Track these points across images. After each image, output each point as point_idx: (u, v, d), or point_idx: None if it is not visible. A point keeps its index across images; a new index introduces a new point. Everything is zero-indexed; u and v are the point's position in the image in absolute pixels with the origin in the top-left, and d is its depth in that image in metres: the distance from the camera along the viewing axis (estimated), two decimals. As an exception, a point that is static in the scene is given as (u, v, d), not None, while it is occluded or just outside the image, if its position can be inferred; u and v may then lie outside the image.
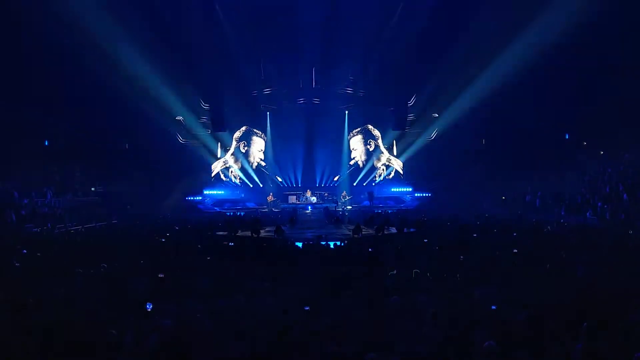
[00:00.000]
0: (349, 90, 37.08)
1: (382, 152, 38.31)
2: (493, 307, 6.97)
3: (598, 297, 7.38)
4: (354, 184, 38.14)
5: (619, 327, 6.03)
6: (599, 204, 23.35)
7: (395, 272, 9.76)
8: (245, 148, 38.42)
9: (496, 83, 30.79)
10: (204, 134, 37.45)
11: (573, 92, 31.01)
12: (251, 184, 38.41)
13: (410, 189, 37.42)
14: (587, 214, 23.07)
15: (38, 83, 28.25)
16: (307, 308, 6.50)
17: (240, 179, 38.38)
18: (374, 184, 37.78)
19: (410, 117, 37.35)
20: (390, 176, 38.39)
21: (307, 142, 37.96)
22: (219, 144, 38.08)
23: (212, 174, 37.78)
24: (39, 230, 21.15)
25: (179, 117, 36.01)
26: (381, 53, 34.84)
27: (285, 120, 37.73)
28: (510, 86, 30.66)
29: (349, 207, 33.61)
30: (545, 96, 32.48)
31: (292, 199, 37.45)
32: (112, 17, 27.02)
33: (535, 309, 6.82)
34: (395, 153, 38.30)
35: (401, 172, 38.13)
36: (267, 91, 36.89)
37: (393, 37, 33.62)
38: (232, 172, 38.29)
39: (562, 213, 24.71)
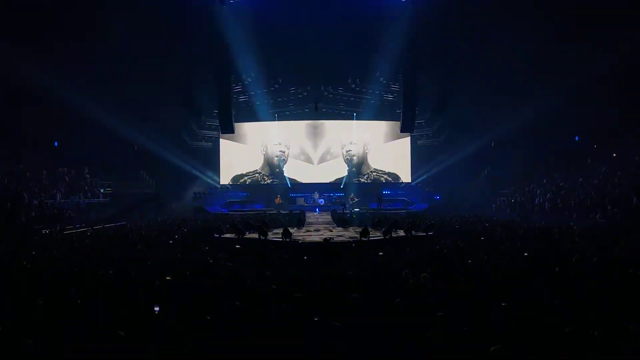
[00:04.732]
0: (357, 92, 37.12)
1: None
2: (503, 304, 6.99)
3: (611, 302, 7.30)
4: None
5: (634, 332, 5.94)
6: (609, 207, 23.18)
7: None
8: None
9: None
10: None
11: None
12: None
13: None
14: (597, 217, 22.90)
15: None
16: (317, 319, 6.45)
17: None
18: (384, 191, 37.84)
19: (419, 121, 37.28)
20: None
21: (314, 144, 38.17)
22: None
23: None
24: (48, 231, 21.27)
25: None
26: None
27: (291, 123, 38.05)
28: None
29: (357, 210, 33.52)
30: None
31: (300, 201, 37.48)
32: (123, 20, 27.12)
33: (546, 312, 6.77)
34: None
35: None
36: (274, 89, 36.98)
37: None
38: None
39: (573, 216, 24.54)
